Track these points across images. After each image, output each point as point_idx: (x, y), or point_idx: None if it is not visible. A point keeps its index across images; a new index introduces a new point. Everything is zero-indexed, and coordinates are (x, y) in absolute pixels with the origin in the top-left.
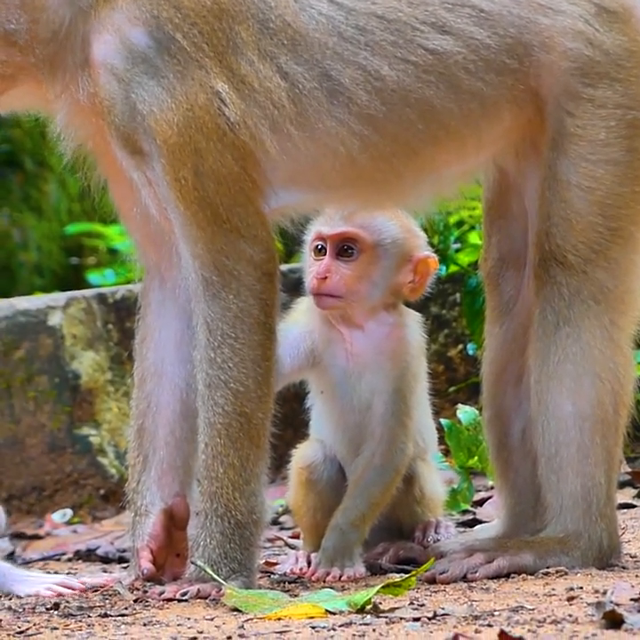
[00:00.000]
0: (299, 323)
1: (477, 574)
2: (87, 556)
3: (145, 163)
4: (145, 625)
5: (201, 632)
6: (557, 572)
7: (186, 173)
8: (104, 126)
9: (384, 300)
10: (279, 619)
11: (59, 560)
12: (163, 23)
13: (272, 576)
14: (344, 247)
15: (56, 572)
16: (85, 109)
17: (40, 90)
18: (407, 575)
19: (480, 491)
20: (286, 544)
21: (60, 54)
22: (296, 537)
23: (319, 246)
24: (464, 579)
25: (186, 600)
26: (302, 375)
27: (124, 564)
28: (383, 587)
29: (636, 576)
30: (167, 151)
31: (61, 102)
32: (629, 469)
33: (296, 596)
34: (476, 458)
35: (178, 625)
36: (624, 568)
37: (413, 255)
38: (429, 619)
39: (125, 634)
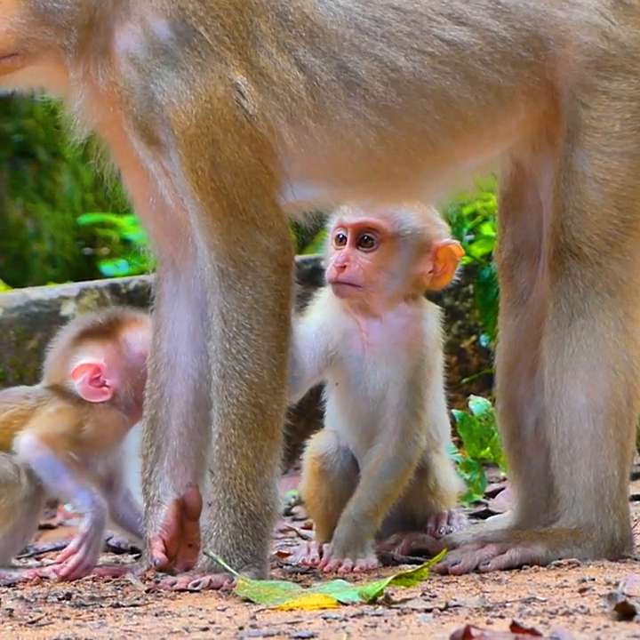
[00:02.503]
0: (312, 321)
1: (489, 566)
2: None
3: (162, 153)
4: (157, 615)
5: (213, 622)
6: (570, 563)
7: (203, 164)
8: (121, 116)
9: (404, 290)
10: (291, 609)
11: None
12: (187, 16)
13: (284, 567)
14: (364, 237)
15: None
16: (103, 97)
17: (58, 72)
18: (419, 566)
19: (492, 482)
20: (299, 535)
21: (90, 40)
22: (308, 528)
23: (340, 236)
24: (476, 570)
25: (198, 591)
26: (322, 376)
27: (136, 555)
28: (395, 578)
29: None
30: (185, 142)
31: (80, 88)
32: None
33: (308, 586)
34: (488, 449)
35: (190, 615)
36: (636, 560)
37: (432, 244)
38: (441, 610)
39: (137, 624)
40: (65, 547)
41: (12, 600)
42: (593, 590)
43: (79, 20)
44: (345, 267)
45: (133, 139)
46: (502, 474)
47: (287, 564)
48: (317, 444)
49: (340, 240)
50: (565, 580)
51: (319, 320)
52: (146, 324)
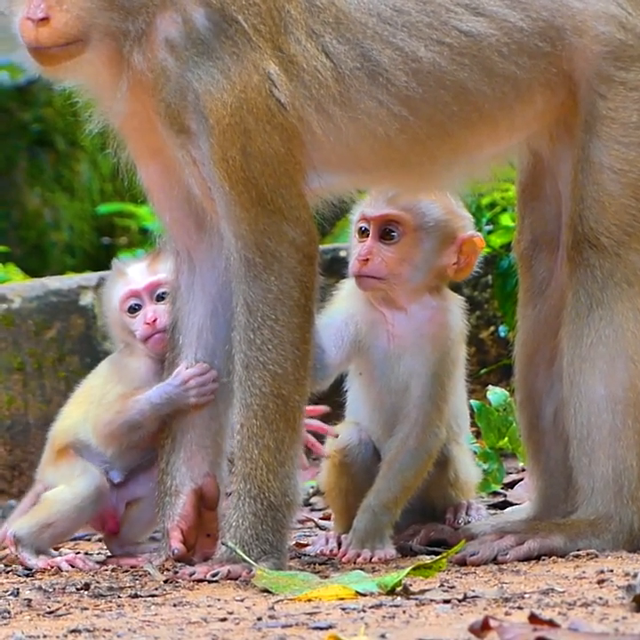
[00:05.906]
0: (340, 310)
1: (508, 556)
2: None
3: (191, 142)
4: (175, 605)
5: (231, 613)
6: (588, 554)
7: (234, 153)
8: (151, 103)
9: (427, 282)
10: (309, 600)
11: (88, 540)
12: (228, 4)
13: (302, 557)
14: (387, 229)
15: (86, 553)
16: (137, 84)
17: (110, 61)
18: (438, 557)
19: (511, 473)
20: (317, 525)
21: (149, 25)
22: (327, 518)
23: (363, 228)
24: (494, 561)
25: (216, 581)
26: (349, 363)
27: (154, 545)
28: (414, 569)
29: None
30: (219, 131)
31: (127, 76)
32: None
33: (326, 577)
34: (506, 439)
35: (208, 606)
36: None
37: (457, 236)
38: (460, 601)
39: (155, 614)
40: (82, 537)
41: (31, 590)
42: (611, 581)
43: (153, 3)
44: (368, 260)
45: (162, 127)
46: (520, 464)
47: (305, 555)
48: (339, 437)
49: (363, 232)
50: (584, 572)
51: (347, 309)
52: (111, 279)
